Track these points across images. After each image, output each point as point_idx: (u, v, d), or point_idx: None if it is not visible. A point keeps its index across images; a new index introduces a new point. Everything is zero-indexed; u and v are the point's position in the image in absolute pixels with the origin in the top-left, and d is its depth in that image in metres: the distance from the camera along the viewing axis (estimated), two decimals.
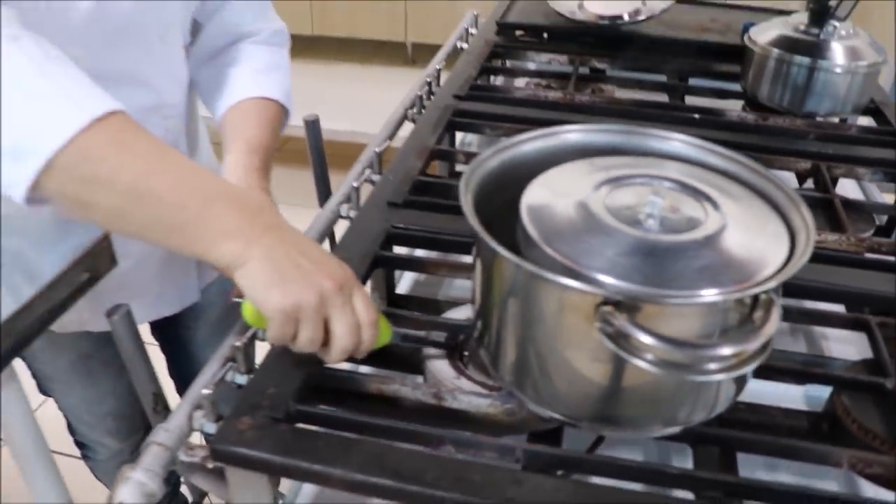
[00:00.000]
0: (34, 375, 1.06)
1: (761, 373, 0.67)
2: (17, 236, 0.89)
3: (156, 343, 1.20)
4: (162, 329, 1.17)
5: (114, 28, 0.79)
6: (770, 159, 1.03)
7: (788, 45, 1.16)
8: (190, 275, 1.05)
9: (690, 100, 1.28)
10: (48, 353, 1.01)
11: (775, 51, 1.16)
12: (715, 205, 0.60)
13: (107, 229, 0.67)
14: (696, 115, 1.14)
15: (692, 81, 1.35)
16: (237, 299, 0.69)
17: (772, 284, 0.52)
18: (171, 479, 0.75)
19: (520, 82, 1.42)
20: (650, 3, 1.49)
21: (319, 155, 1.18)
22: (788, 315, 0.77)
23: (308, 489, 0.72)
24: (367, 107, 1.66)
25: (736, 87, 1.27)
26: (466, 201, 0.61)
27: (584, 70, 1.37)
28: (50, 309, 0.74)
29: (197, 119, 1.05)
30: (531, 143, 0.71)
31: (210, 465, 0.62)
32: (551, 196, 0.63)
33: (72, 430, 1.15)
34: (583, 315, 0.53)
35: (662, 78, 1.36)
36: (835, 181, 1.05)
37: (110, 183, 0.59)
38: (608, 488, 0.58)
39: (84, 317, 0.95)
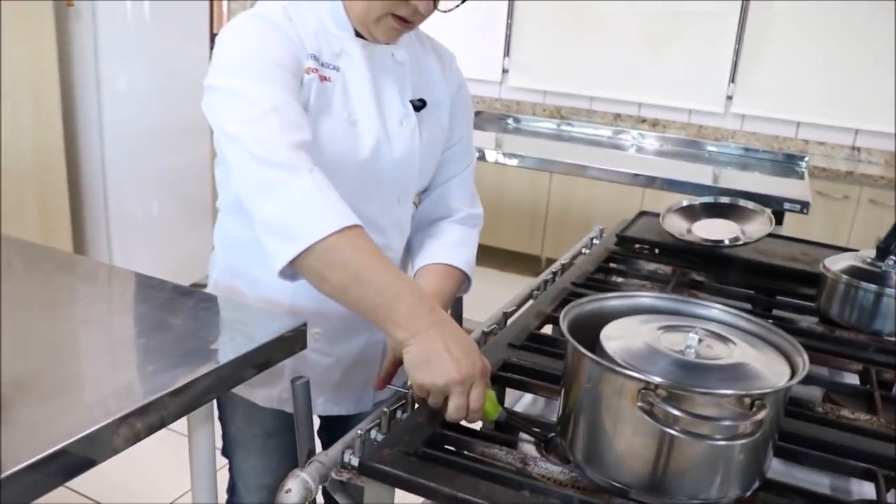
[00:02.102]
0: (224, 437, 1.35)
1: (787, 495, 0.87)
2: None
3: None
4: (328, 418, 1.43)
5: (370, 184, 1.18)
6: (826, 359, 1.24)
7: (857, 273, 1.39)
8: (368, 388, 1.34)
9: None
10: (244, 422, 1.31)
11: (844, 277, 1.40)
12: (736, 347, 0.84)
13: (332, 299, 1.00)
14: (770, 320, 1.37)
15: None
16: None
17: (766, 391, 0.75)
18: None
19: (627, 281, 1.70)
20: (749, 232, 1.77)
21: (458, 318, 1.49)
22: (814, 461, 0.96)
23: None
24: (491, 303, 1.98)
25: (813, 305, 1.49)
26: (564, 324, 0.88)
27: (683, 279, 1.63)
28: (254, 365, 1.04)
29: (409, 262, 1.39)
30: (614, 300, 0.99)
31: (355, 481, 0.87)
32: (622, 332, 0.89)
33: (232, 491, 1.41)
34: (630, 397, 0.77)
35: (751, 292, 1.59)
36: (891, 384, 1.23)
37: (343, 267, 0.93)
38: None
39: (283, 396, 1.26)
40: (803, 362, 0.81)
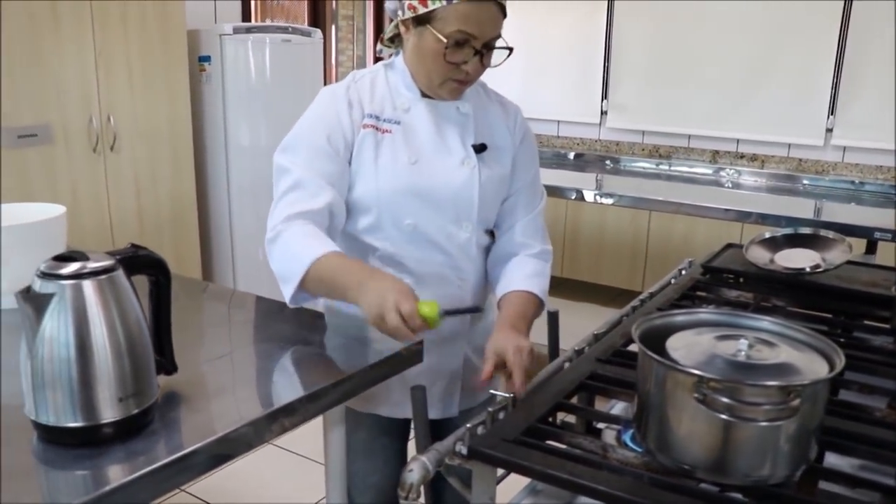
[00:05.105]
0: None
1: (831, 478, 1.01)
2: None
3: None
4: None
5: (431, 210, 1.43)
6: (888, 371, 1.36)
7: None
8: (455, 396, 1.55)
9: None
10: (351, 426, 1.53)
11: None
12: (782, 350, 0.99)
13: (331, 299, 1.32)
14: (842, 339, 1.49)
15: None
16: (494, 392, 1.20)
17: (800, 384, 0.91)
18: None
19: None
20: (829, 259, 1.88)
21: (555, 339, 1.66)
22: (862, 454, 1.09)
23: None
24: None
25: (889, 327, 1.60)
26: (636, 334, 1.06)
27: (765, 304, 1.75)
28: (379, 375, 1.26)
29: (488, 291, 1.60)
30: (680, 316, 1.16)
31: (465, 465, 1.07)
32: (685, 341, 1.06)
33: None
34: (688, 390, 0.94)
35: (827, 315, 1.70)
36: None
37: (330, 281, 1.24)
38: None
39: (379, 401, 1.49)
40: (840, 361, 0.96)
